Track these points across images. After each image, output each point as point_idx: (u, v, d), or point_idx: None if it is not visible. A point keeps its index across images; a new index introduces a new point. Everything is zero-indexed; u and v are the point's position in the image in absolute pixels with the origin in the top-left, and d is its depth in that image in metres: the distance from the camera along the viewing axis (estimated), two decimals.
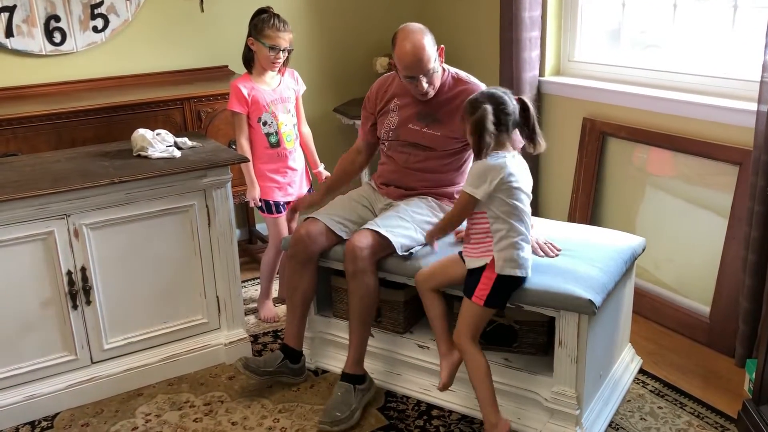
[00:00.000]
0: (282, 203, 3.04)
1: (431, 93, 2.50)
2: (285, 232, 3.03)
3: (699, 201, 2.91)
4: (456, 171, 2.62)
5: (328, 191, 2.84)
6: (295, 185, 3.07)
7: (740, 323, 2.65)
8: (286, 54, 2.93)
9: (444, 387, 2.31)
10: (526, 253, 2.19)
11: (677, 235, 3.00)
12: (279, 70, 2.98)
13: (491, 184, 2.12)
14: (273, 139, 2.96)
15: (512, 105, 2.16)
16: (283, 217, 3.05)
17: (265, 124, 2.94)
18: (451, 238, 2.50)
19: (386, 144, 2.66)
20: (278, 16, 2.90)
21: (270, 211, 3.04)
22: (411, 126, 2.57)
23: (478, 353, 2.22)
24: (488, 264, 2.17)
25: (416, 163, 2.59)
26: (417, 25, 2.47)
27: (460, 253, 2.30)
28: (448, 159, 2.58)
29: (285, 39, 2.88)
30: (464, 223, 2.31)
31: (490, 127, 2.10)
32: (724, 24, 2.80)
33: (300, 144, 3.11)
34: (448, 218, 2.33)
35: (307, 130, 3.16)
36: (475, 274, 2.20)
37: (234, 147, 3.00)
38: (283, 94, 2.99)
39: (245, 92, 2.89)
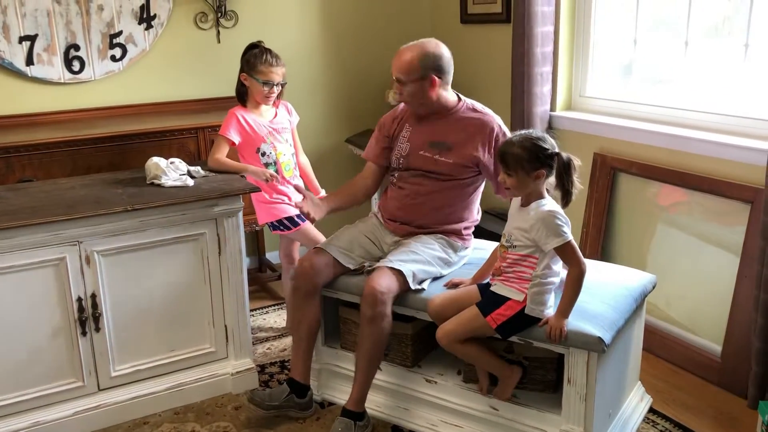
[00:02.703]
0: (296, 215, 3.01)
1: (400, 102, 2.59)
2: (318, 235, 3.00)
3: (711, 238, 2.90)
4: (463, 206, 2.62)
5: (331, 211, 2.70)
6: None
7: (753, 364, 2.61)
8: (280, 88, 2.96)
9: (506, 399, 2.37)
10: (554, 296, 2.22)
11: (689, 273, 2.98)
12: (273, 104, 3.02)
13: (569, 227, 2.16)
14: (272, 170, 2.97)
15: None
16: (307, 224, 3.02)
17: (263, 154, 2.96)
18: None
19: (396, 174, 2.66)
20: (270, 51, 2.92)
21: (295, 225, 3.03)
22: (422, 153, 2.56)
23: (465, 345, 2.27)
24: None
25: (425, 195, 2.56)
26: (427, 40, 2.56)
27: (480, 285, 2.32)
28: (458, 191, 2.58)
29: (278, 74, 2.91)
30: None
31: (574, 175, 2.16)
32: (736, 62, 2.81)
33: (300, 174, 3.13)
34: (578, 276, 2.17)
35: (304, 159, 3.18)
36: (497, 297, 2.22)
37: (244, 176, 3.01)
38: (279, 126, 3.02)
39: (242, 122, 2.92)
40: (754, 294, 2.60)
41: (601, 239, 3.30)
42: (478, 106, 2.61)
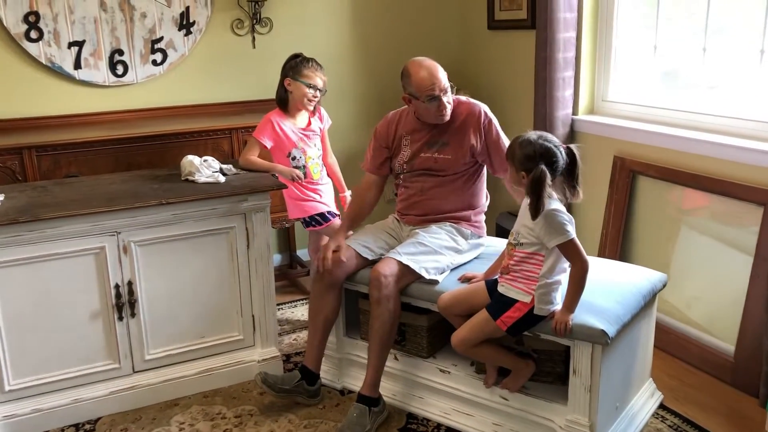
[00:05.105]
0: (327, 211, 3.20)
1: (449, 114, 2.65)
2: None
3: (726, 240, 2.94)
4: (470, 192, 2.76)
5: (350, 227, 2.85)
6: (328, 201, 3.25)
7: (764, 363, 2.65)
8: (321, 94, 3.12)
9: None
10: (561, 291, 2.29)
11: (705, 274, 3.03)
12: (313, 110, 3.18)
13: (573, 225, 2.22)
14: (301, 172, 3.14)
15: (562, 159, 2.20)
16: (338, 220, 3.19)
17: (294, 158, 3.13)
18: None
19: (401, 177, 2.81)
20: (314, 59, 3.12)
21: (326, 220, 3.21)
22: (423, 155, 2.72)
23: (481, 347, 2.37)
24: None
25: (431, 189, 2.73)
26: (422, 57, 2.69)
27: (487, 282, 2.41)
28: (461, 181, 2.72)
29: (322, 78, 3.10)
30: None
31: (548, 189, 2.15)
32: (752, 67, 2.86)
33: (328, 173, 3.29)
34: (581, 273, 2.22)
35: (333, 160, 3.36)
36: (505, 299, 2.30)
37: (275, 175, 3.17)
38: (310, 132, 3.19)
39: (277, 128, 3.09)
40: (765, 295, 2.65)
41: (620, 239, 3.36)
42: (463, 99, 2.75)
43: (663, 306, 3.14)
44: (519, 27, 3.91)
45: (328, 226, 3.21)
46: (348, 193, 3.34)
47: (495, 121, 2.74)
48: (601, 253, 3.42)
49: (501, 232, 3.83)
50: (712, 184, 2.92)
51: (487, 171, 2.81)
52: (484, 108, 2.75)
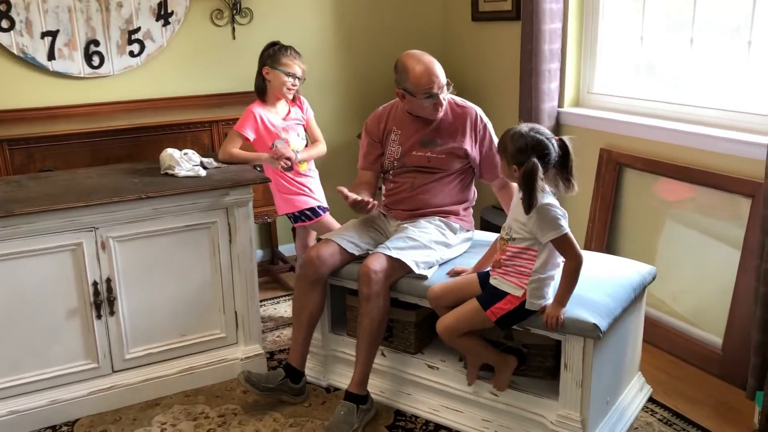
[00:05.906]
0: (317, 206, 3.13)
1: (442, 111, 2.62)
2: (336, 226, 3.09)
3: (713, 232, 2.93)
4: (459, 188, 2.73)
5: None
6: (318, 195, 3.17)
7: (752, 355, 2.64)
8: (300, 82, 3.05)
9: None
10: (553, 287, 2.25)
11: (692, 266, 3.02)
12: (293, 98, 3.10)
13: (567, 219, 2.18)
14: (285, 152, 3.05)
15: (554, 152, 2.17)
16: (327, 216, 3.14)
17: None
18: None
19: (390, 173, 2.77)
20: (292, 47, 3.04)
21: (316, 215, 3.13)
22: (415, 153, 2.68)
23: (465, 338, 2.34)
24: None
25: (421, 186, 2.69)
26: (418, 51, 2.63)
27: (480, 274, 2.38)
28: (452, 178, 2.69)
29: (301, 66, 3.03)
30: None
31: (540, 182, 2.11)
32: (739, 59, 2.85)
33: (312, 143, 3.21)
34: (575, 267, 2.19)
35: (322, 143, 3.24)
36: (497, 290, 2.26)
37: (259, 169, 3.10)
38: (292, 122, 3.11)
39: (258, 120, 3.01)
40: (753, 287, 2.64)
41: (606, 233, 3.35)
42: (458, 100, 2.73)
43: (649, 299, 3.12)
44: (503, 18, 3.87)
45: (318, 221, 3.14)
46: (304, 155, 3.13)
47: (489, 125, 2.73)
48: (587, 246, 3.40)
49: (486, 226, 3.79)
50: (700, 176, 2.91)
51: None
52: (480, 111, 2.73)
